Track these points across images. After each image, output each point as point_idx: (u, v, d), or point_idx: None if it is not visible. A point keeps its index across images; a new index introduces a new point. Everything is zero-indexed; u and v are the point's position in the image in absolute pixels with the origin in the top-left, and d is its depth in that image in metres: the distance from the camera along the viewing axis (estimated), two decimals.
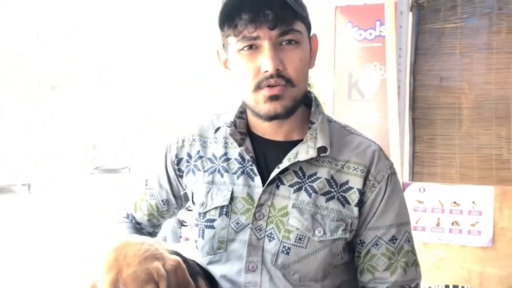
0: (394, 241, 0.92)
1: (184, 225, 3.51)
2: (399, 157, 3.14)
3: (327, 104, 3.50)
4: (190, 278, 0.81)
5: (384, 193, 0.93)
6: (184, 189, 1.05)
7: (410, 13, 3.00)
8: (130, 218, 1.12)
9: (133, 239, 0.80)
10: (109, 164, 15.51)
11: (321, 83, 3.71)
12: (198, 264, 0.94)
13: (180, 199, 1.08)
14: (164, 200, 1.08)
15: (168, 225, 3.54)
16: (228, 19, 0.86)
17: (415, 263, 0.95)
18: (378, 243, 0.92)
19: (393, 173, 0.95)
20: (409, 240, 0.94)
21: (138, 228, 1.12)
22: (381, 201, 0.92)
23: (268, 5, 0.82)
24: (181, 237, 3.47)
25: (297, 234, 0.89)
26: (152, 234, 1.15)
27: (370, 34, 2.90)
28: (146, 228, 1.13)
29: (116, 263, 0.73)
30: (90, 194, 10.65)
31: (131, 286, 0.71)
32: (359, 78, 2.95)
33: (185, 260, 0.87)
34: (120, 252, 0.74)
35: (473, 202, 2.63)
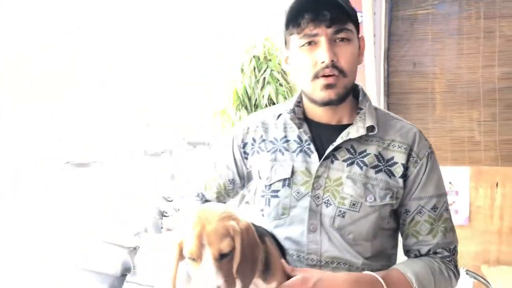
0: (435, 209, 1.08)
1: (165, 216, 3.60)
2: None
3: None
4: (258, 238, 0.93)
5: (426, 168, 1.08)
6: (248, 169, 1.21)
7: (384, 0, 3.08)
8: (200, 197, 1.29)
9: (214, 205, 0.96)
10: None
11: None
12: (266, 230, 1.06)
13: (243, 179, 1.24)
14: (231, 180, 1.25)
15: (149, 216, 3.62)
16: (292, 20, 1.03)
17: (453, 229, 1.11)
18: (422, 211, 1.08)
19: (432, 152, 1.11)
20: (447, 209, 1.10)
21: None
22: (423, 175, 1.08)
23: (326, 7, 0.99)
24: (162, 227, 3.56)
25: (351, 200, 1.04)
26: None
27: None
28: None
29: (200, 221, 0.87)
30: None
31: (213, 238, 0.86)
32: None
33: (253, 224, 0.98)
34: (203, 213, 0.89)
35: (450, 183, 2.74)
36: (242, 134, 1.22)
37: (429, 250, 1.09)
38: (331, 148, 1.07)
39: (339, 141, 1.07)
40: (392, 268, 1.06)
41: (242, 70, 3.61)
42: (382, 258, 1.10)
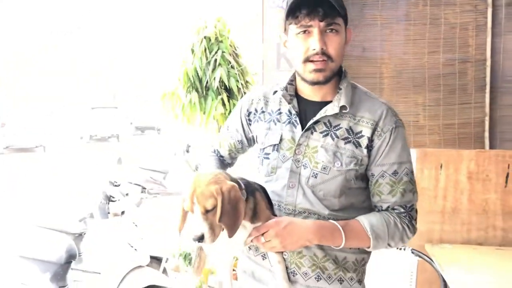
0: (395, 174, 1.28)
1: (112, 201, 3.50)
2: None
3: (257, 75, 3.58)
4: (241, 196, 1.20)
5: (389, 140, 1.27)
6: (252, 133, 1.44)
7: None
8: (216, 153, 1.55)
9: (208, 172, 1.23)
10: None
11: (250, 53, 3.79)
12: (260, 185, 1.31)
13: (249, 140, 1.47)
14: (239, 141, 1.48)
15: (95, 201, 3.49)
16: (291, 13, 1.23)
17: (412, 191, 1.30)
18: (384, 175, 1.28)
19: (397, 127, 1.29)
20: (407, 174, 1.29)
21: (221, 159, 1.54)
22: (386, 146, 1.27)
23: (320, 5, 1.20)
24: (109, 212, 3.45)
25: (323, 165, 1.26)
26: (230, 164, 1.59)
27: None
28: (227, 160, 1.55)
29: (194, 185, 1.17)
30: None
31: (200, 198, 1.15)
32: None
33: (248, 182, 1.26)
34: (197, 178, 1.19)
35: None
36: (248, 104, 1.43)
37: (388, 207, 1.30)
38: (311, 122, 1.29)
39: (317, 116, 1.29)
40: (353, 219, 1.27)
41: (192, 51, 3.52)
42: (350, 211, 1.30)
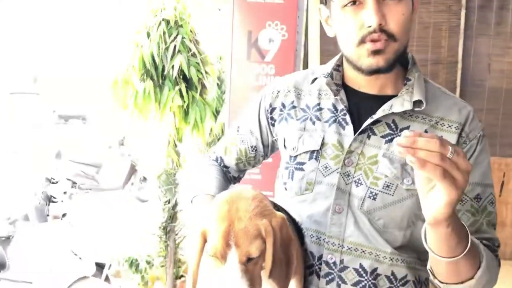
0: (479, 200, 0.95)
1: (53, 201, 3.07)
2: None
3: (225, 66, 3.30)
4: (292, 234, 0.85)
5: (474, 151, 0.96)
6: (273, 137, 1.11)
7: None
8: (219, 161, 1.18)
9: (245, 193, 0.83)
10: None
11: (219, 42, 3.50)
12: (286, 212, 0.96)
13: (267, 148, 1.14)
14: (253, 146, 1.14)
15: (31, 201, 3.06)
16: None
17: (495, 226, 0.98)
18: (463, 199, 0.94)
19: (484, 136, 0.99)
20: (493, 202, 0.97)
21: (224, 171, 1.17)
22: (469, 157, 0.95)
23: None
24: (48, 215, 3.02)
25: (385, 181, 0.93)
26: (236, 179, 1.20)
27: None
28: (232, 172, 1.18)
29: (229, 215, 0.78)
30: None
31: (242, 239, 0.76)
32: (259, 38, 2.78)
33: (286, 212, 0.92)
34: (233, 205, 0.79)
35: None
36: (271, 98, 1.10)
37: None
38: (369, 121, 0.96)
39: (379, 114, 0.96)
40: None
41: (148, 34, 3.15)
42: (415, 251, 0.97)
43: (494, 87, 3.07)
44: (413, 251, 0.96)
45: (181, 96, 3.22)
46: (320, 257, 0.97)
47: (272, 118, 1.10)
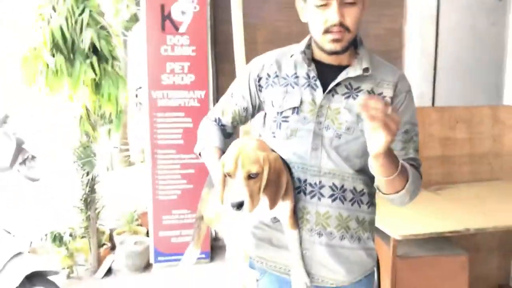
0: (407, 133, 1.34)
1: None
2: (212, 88, 3.35)
3: (141, 37, 3.39)
4: (284, 168, 1.19)
5: (404, 101, 1.34)
6: (260, 100, 1.43)
7: None
8: (217, 121, 1.50)
9: (252, 138, 1.22)
10: None
11: (125, 14, 3.54)
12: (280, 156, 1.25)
13: (255, 108, 1.46)
14: (244, 107, 1.45)
15: None
16: None
17: (418, 151, 1.37)
18: (398, 133, 1.27)
19: (410, 91, 1.37)
20: (417, 135, 1.37)
21: (222, 128, 1.48)
22: (401, 105, 1.33)
23: None
24: None
25: (346, 126, 1.29)
26: (230, 135, 1.51)
27: None
28: (228, 129, 1.50)
29: (239, 148, 1.14)
30: None
31: (246, 161, 1.12)
32: (172, 10, 2.96)
33: (280, 156, 1.22)
34: (242, 144, 1.16)
35: None
36: (258, 69, 1.41)
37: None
38: (333, 84, 1.32)
39: (340, 78, 1.32)
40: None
41: (54, 8, 3.12)
42: (367, 173, 1.29)
43: (372, 48, 3.66)
44: (366, 173, 1.30)
45: (93, 69, 3.25)
46: (305, 180, 1.31)
47: (260, 85, 1.41)
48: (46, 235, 3.58)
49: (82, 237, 3.68)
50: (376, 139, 1.07)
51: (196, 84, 3.21)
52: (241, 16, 2.80)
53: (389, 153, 1.13)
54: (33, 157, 6.78)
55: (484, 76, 3.93)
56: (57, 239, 3.51)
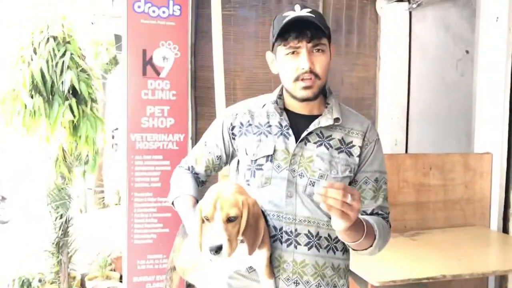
0: (377, 181, 1.40)
1: None
2: (191, 131, 3.36)
3: (121, 81, 3.42)
4: (261, 213, 1.21)
5: (373, 149, 1.39)
6: (234, 148, 1.46)
7: None
8: (190, 170, 1.52)
9: (231, 182, 1.23)
10: None
11: (105, 57, 3.58)
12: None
13: (228, 156, 1.48)
14: (218, 156, 1.48)
15: None
16: (281, 35, 1.29)
17: (387, 199, 1.43)
18: (367, 181, 1.39)
19: (378, 139, 1.43)
20: (386, 183, 1.43)
21: (195, 177, 1.50)
22: (370, 154, 1.38)
23: (308, 28, 1.27)
24: None
25: (319, 173, 1.33)
26: (203, 183, 1.53)
27: (164, 12, 3.00)
28: (201, 177, 1.52)
29: (217, 192, 1.14)
30: None
31: (225, 205, 1.12)
32: (153, 56, 3.01)
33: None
34: (220, 187, 1.16)
35: None
36: (231, 118, 1.45)
37: (373, 211, 1.40)
38: (305, 133, 1.36)
39: (312, 127, 1.36)
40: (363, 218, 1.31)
41: (35, 50, 3.15)
42: None
43: (347, 96, 3.78)
44: None
45: (71, 111, 3.26)
46: (281, 229, 1.32)
47: (233, 134, 1.44)
48: (13, 280, 3.45)
49: (52, 282, 3.56)
50: (337, 222, 1.14)
51: (176, 127, 3.23)
52: (222, 62, 2.87)
53: (352, 226, 1.16)
54: (3, 198, 6.57)
55: (454, 124, 4.08)
56: (25, 284, 3.39)
